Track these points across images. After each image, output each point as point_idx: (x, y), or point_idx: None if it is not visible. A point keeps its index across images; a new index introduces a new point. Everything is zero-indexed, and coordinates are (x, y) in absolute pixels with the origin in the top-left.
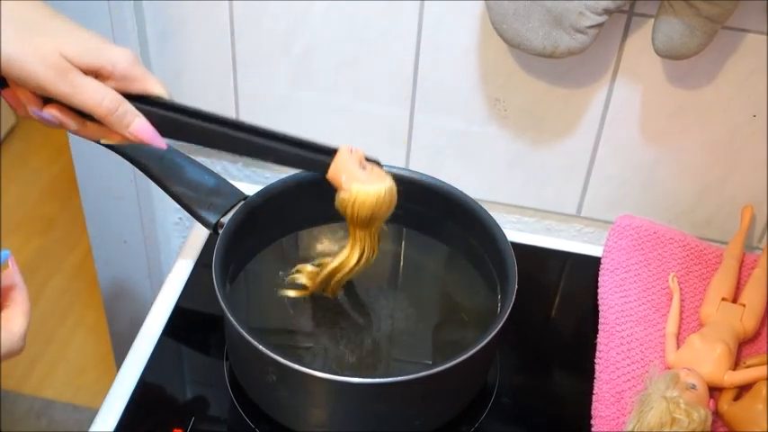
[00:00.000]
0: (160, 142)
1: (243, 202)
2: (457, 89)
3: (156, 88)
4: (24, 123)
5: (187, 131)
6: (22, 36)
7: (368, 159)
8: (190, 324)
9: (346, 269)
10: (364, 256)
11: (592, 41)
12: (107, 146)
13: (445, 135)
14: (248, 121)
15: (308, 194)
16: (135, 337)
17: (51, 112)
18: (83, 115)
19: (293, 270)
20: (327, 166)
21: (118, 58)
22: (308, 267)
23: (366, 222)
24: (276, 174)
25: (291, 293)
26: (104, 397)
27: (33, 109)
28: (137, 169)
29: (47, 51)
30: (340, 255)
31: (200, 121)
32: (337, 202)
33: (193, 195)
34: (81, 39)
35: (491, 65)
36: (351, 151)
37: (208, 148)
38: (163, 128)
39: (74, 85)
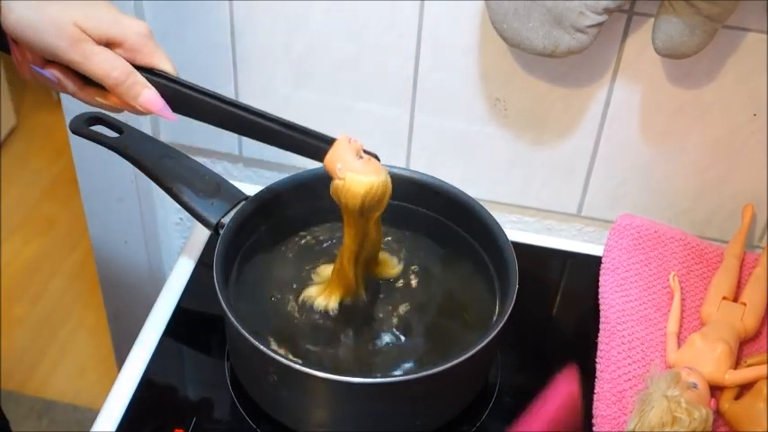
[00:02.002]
0: (169, 114)
1: (243, 203)
2: (457, 89)
3: (163, 63)
4: (25, 124)
5: (194, 106)
6: (38, 4)
7: (366, 152)
8: (191, 324)
9: (351, 256)
10: (366, 243)
11: (592, 41)
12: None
13: (445, 135)
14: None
15: (308, 195)
16: (136, 337)
17: (52, 72)
18: (85, 80)
19: (311, 283)
20: (325, 152)
21: (131, 30)
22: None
23: (358, 212)
24: (277, 174)
25: (321, 304)
26: (105, 397)
27: (35, 66)
28: (137, 170)
29: (61, 20)
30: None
31: (208, 98)
32: (331, 190)
33: (194, 196)
34: (96, 10)
35: (491, 65)
36: (349, 141)
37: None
38: (170, 102)
39: (85, 54)
